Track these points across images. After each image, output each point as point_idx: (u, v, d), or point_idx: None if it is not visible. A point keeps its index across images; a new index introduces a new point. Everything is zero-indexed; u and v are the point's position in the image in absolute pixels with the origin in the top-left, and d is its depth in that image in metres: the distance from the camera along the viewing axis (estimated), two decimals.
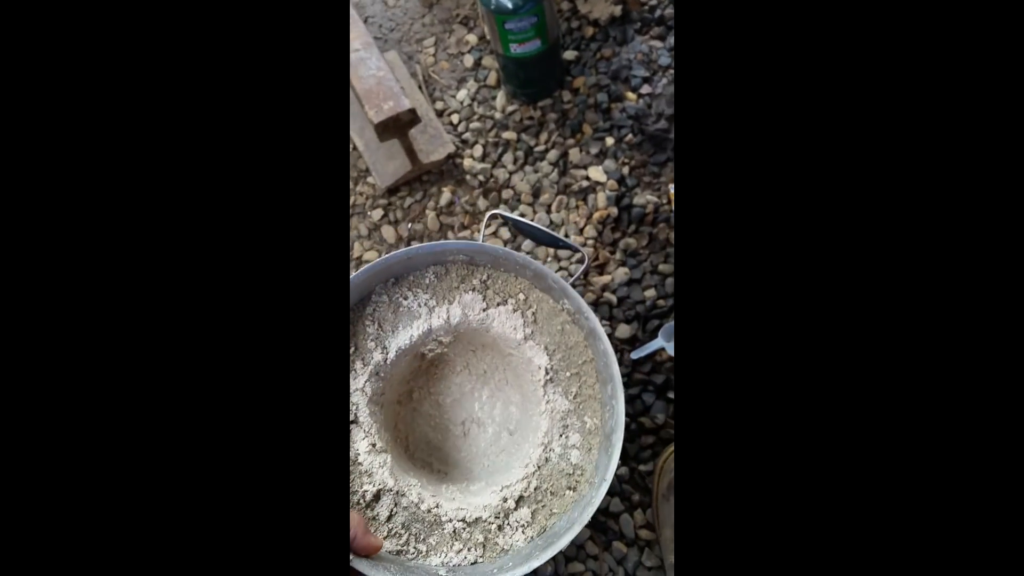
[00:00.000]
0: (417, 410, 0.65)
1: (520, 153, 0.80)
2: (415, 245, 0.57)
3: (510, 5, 0.67)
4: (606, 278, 0.72)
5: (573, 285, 0.56)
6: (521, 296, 0.60)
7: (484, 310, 0.59)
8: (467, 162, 0.81)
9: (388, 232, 0.79)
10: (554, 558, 0.62)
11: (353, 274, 0.56)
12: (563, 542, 0.49)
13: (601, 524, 0.64)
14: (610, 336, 0.69)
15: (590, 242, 0.74)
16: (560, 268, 0.74)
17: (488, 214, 0.66)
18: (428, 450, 0.63)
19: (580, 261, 0.72)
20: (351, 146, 0.84)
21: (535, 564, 0.49)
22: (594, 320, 0.55)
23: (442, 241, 0.62)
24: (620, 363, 0.69)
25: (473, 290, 0.60)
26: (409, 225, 0.80)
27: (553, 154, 0.79)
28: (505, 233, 0.76)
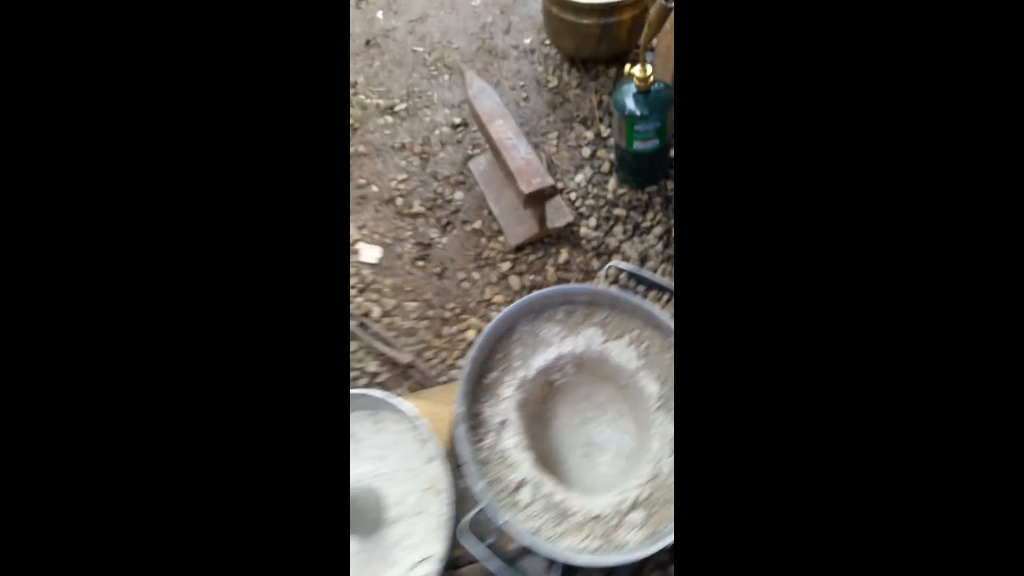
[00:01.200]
0: (546, 430, 0.77)
1: (629, 226, 0.97)
2: (546, 289, 0.73)
3: (639, 113, 0.86)
4: None
5: None
6: (635, 332, 0.73)
7: (603, 343, 0.72)
8: (583, 230, 0.98)
9: (514, 281, 0.95)
10: None
11: (506, 309, 0.71)
12: (669, 540, 0.59)
13: None
14: None
15: None
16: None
17: (607, 265, 0.81)
18: (554, 466, 0.74)
19: None
20: (487, 211, 1.03)
21: (644, 553, 0.59)
22: None
23: (573, 284, 0.77)
24: None
25: (594, 326, 0.74)
26: (531, 276, 0.96)
27: (658, 229, 0.95)
28: None
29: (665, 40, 0.97)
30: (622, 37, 1.11)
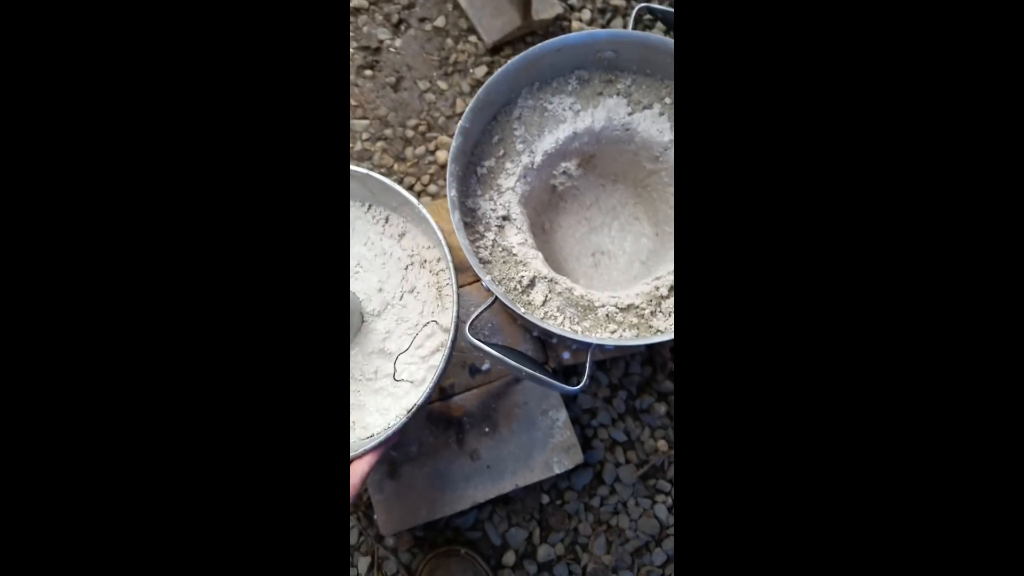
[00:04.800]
0: (548, 243, 0.60)
1: (630, 19, 0.77)
2: (556, 39, 0.54)
3: None
4: None
5: None
6: (667, 100, 0.56)
7: (629, 114, 0.55)
8: (575, 24, 0.78)
9: None
10: None
11: (502, 69, 0.51)
12: None
13: None
14: None
15: None
16: None
17: (638, 6, 0.61)
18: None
19: None
20: (452, 4, 0.80)
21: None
22: None
23: (593, 31, 0.57)
24: None
25: (617, 94, 0.56)
26: None
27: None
28: None
29: None
30: None
